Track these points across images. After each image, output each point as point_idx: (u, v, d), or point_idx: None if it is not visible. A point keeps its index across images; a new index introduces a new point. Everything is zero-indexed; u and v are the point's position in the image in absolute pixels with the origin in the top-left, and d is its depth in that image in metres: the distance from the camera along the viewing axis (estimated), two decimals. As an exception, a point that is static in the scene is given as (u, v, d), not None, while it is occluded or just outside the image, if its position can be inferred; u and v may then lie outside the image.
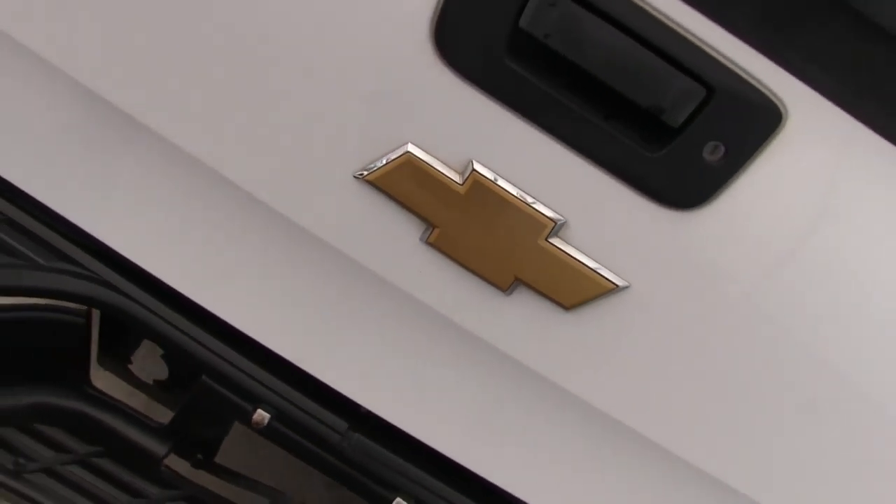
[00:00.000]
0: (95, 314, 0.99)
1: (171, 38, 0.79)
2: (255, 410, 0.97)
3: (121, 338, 1.09)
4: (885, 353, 0.75)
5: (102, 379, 1.05)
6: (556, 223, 0.76)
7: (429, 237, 0.81)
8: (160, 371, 1.10)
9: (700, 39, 0.67)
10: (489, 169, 0.76)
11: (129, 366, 1.12)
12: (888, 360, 0.75)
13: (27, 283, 0.93)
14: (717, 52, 0.67)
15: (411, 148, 0.77)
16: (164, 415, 1.04)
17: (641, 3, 0.67)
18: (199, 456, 1.07)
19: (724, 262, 0.74)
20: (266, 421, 0.98)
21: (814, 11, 0.65)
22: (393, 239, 0.82)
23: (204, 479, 1.06)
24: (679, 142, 0.70)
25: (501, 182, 0.76)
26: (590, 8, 0.67)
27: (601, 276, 0.77)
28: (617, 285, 0.78)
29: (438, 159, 0.77)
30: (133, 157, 0.90)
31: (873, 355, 0.75)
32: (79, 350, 1.00)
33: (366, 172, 0.79)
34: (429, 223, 0.80)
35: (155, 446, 1.02)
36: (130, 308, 0.96)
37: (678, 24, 0.67)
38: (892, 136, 0.67)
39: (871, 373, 0.76)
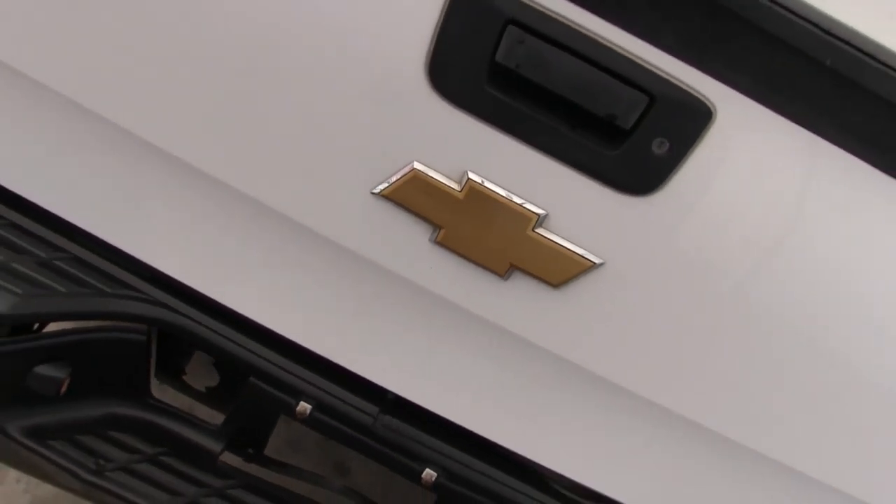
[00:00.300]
0: (153, 332, 1.15)
1: (205, 91, 0.96)
2: (297, 403, 1.13)
3: (174, 353, 1.24)
4: (814, 302, 0.92)
5: (162, 389, 1.21)
6: (539, 216, 0.93)
7: (437, 237, 0.97)
8: (212, 378, 1.26)
9: (640, 58, 0.85)
10: (481, 176, 0.93)
11: (184, 377, 1.27)
12: (818, 305, 0.92)
13: (97, 308, 1.09)
14: (655, 67, 0.85)
15: (417, 165, 0.94)
16: (218, 417, 1.20)
17: (590, 34, 0.84)
18: (250, 450, 1.22)
19: (677, 235, 0.91)
20: (308, 412, 1.13)
21: (728, 30, 0.82)
22: (407, 242, 0.99)
23: (255, 470, 1.21)
24: (631, 141, 0.87)
25: (492, 186, 0.93)
26: (550, 42, 0.85)
27: (580, 256, 0.94)
28: (594, 263, 0.94)
29: (439, 172, 0.94)
30: (178, 197, 1.07)
31: (804, 302, 0.92)
32: (140, 365, 1.16)
33: (381, 189, 0.95)
34: (435, 226, 0.97)
35: (211, 444, 1.18)
36: (185, 324, 1.12)
37: (622, 48, 0.84)
38: (804, 121, 0.85)
39: (807, 316, 0.93)
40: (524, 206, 0.93)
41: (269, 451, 1.28)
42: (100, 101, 0.99)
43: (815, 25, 0.80)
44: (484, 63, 0.87)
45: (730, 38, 0.83)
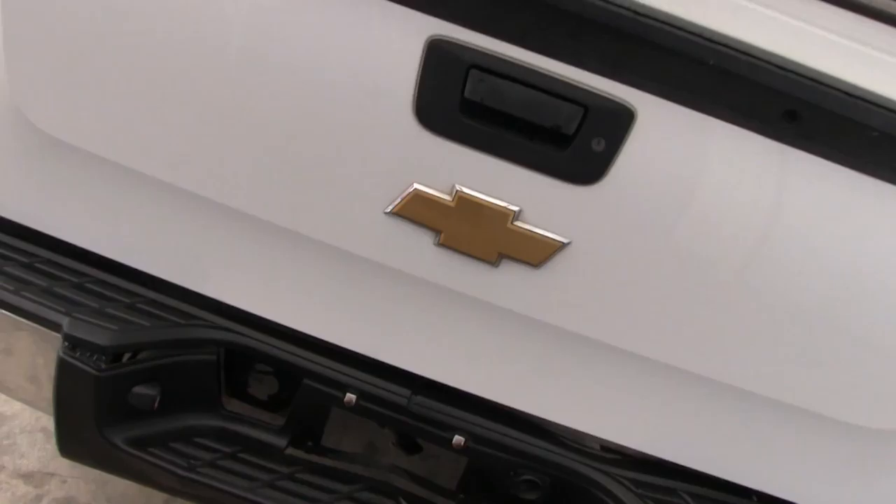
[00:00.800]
0: (221, 354, 1.41)
1: (264, 161, 1.24)
2: (345, 396, 1.38)
3: (239, 371, 1.50)
4: (726, 251, 1.18)
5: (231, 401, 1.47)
6: (515, 212, 1.20)
7: (439, 240, 1.24)
8: (272, 387, 1.51)
9: (572, 79, 1.12)
10: (466, 187, 1.20)
11: (248, 389, 1.53)
12: (729, 253, 1.18)
13: (176, 336, 1.35)
14: (585, 84, 1.12)
15: (417, 186, 1.21)
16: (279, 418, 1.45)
17: (532, 67, 1.12)
18: (310, 443, 1.47)
19: (622, 211, 1.18)
20: (354, 401, 1.38)
21: (635, 50, 1.10)
22: (416, 247, 1.25)
23: (316, 459, 1.46)
24: (575, 143, 1.14)
25: (475, 194, 1.20)
26: (503, 77, 1.12)
27: (552, 239, 1.20)
28: (563, 242, 1.21)
29: (434, 188, 1.20)
30: (239, 244, 1.35)
31: (721, 252, 1.18)
32: (212, 382, 1.42)
33: (391, 208, 1.22)
34: (436, 231, 1.23)
35: (277, 441, 1.43)
36: (247, 342, 1.38)
37: (557, 73, 1.12)
38: (700, 107, 1.11)
39: (723, 262, 1.19)
40: (502, 205, 1.20)
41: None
42: (187, 179, 1.28)
43: (698, 36, 1.07)
44: (456, 100, 1.15)
45: (638, 56, 1.11)
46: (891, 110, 1.08)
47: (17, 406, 2.47)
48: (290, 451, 1.44)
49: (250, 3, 1.16)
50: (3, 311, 1.33)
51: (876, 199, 1.14)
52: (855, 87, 1.08)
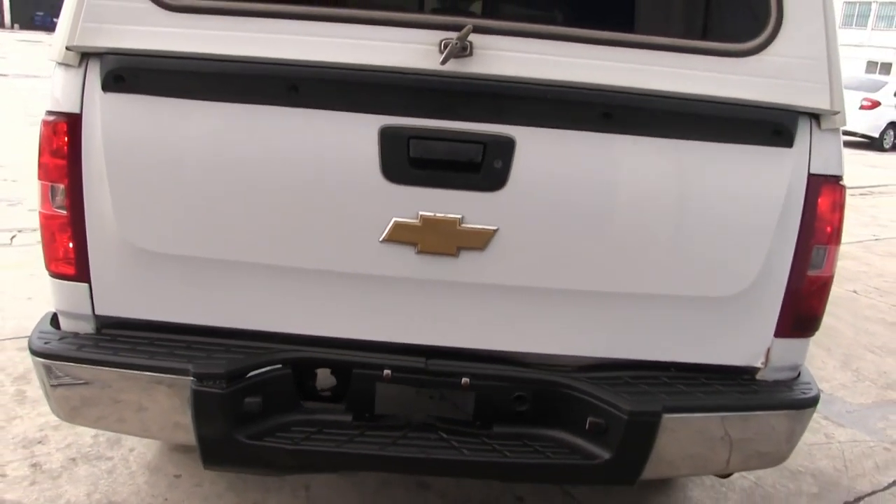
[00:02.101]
0: (291, 368, 2.05)
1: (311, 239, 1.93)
2: (383, 372, 2.03)
3: (304, 378, 2.14)
4: (595, 207, 1.89)
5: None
6: (459, 218, 1.89)
7: (418, 250, 1.93)
8: (330, 382, 2.16)
9: (473, 130, 1.83)
10: (425, 212, 1.89)
11: (317, 391, 2.17)
12: (597, 209, 1.89)
13: (263, 360, 2.00)
14: (481, 131, 1.83)
15: (395, 219, 1.90)
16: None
17: (448, 128, 1.83)
18: (367, 414, 2.10)
19: (523, 201, 1.88)
20: (390, 375, 2.04)
21: (508, 102, 1.82)
22: (404, 258, 1.93)
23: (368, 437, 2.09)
24: (484, 166, 1.85)
25: (432, 214, 1.89)
26: (431, 139, 1.83)
27: (486, 229, 1.90)
28: (494, 230, 1.90)
29: (406, 218, 1.90)
30: (292, 289, 2.02)
31: (593, 208, 1.89)
32: (290, 388, 2.06)
33: (383, 237, 1.91)
34: (414, 244, 1.92)
35: (344, 417, 2.07)
36: (309, 355, 2.04)
37: (461, 129, 1.83)
38: (562, 126, 1.84)
39: (596, 215, 1.89)
40: (450, 217, 1.89)
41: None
42: (246, 254, 1.96)
43: (539, 85, 1.80)
44: (405, 159, 1.85)
45: (508, 105, 1.83)
46: (661, 97, 1.82)
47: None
48: (355, 423, 2.09)
49: (269, 145, 1.87)
50: (145, 372, 1.97)
51: (662, 151, 1.87)
52: (633, 88, 1.83)
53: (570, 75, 1.85)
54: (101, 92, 1.90)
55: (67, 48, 1.89)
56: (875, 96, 18.41)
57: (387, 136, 1.86)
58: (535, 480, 2.47)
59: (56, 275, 2.07)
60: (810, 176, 1.98)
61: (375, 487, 2.99)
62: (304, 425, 2.06)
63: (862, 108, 18.21)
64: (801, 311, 2.10)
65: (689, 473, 2.38)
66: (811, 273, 2.06)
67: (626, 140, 1.89)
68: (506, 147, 1.86)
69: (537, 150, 1.87)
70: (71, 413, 2.09)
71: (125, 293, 2.06)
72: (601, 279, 1.99)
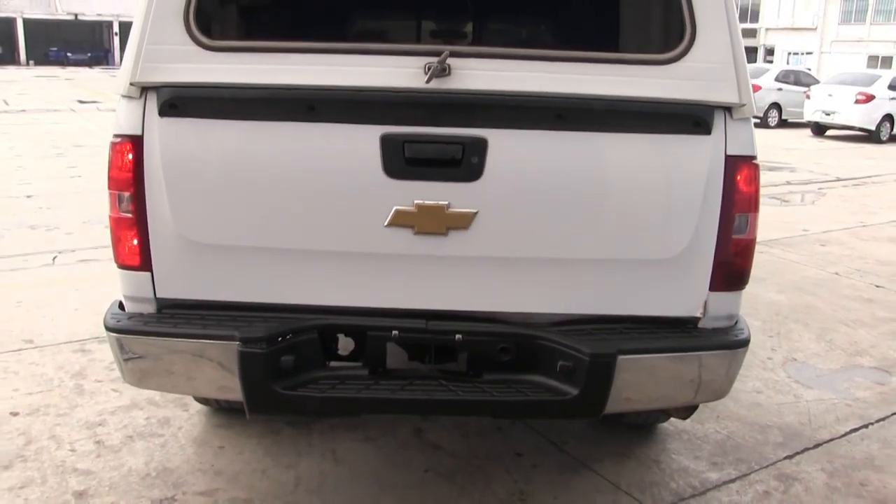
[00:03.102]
0: (317, 332, 2.53)
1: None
2: (392, 333, 2.51)
3: (329, 343, 2.62)
4: (558, 195, 2.37)
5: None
6: (446, 204, 2.37)
7: (415, 231, 2.41)
8: (349, 345, 2.63)
9: (454, 134, 2.32)
10: (419, 200, 2.37)
11: (338, 353, 2.65)
12: (558, 198, 2.37)
13: (294, 326, 2.47)
14: (461, 134, 2.32)
15: (396, 208, 2.38)
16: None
17: (434, 133, 2.31)
18: (380, 369, 2.57)
19: (496, 188, 2.36)
20: (398, 335, 2.51)
21: (480, 109, 2.30)
22: (404, 238, 2.41)
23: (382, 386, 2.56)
24: (464, 162, 2.33)
25: (425, 202, 2.37)
26: (421, 142, 2.32)
27: (468, 212, 2.38)
28: (475, 212, 2.38)
29: (404, 206, 2.38)
30: (319, 265, 2.50)
31: (557, 196, 2.37)
32: (317, 351, 2.53)
33: (387, 222, 2.39)
34: (412, 226, 2.40)
35: (361, 371, 2.54)
36: (332, 321, 2.52)
37: (444, 133, 2.32)
38: (526, 126, 2.32)
39: (557, 202, 2.37)
40: (440, 203, 2.37)
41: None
42: (280, 240, 2.45)
43: (503, 95, 2.29)
44: (402, 159, 2.34)
45: (480, 111, 2.31)
46: (603, 100, 2.31)
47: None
48: (371, 376, 2.56)
49: (292, 153, 2.36)
50: (200, 340, 2.46)
51: (607, 143, 2.36)
52: (580, 94, 2.31)
53: (528, 86, 2.34)
54: (159, 117, 2.40)
55: (131, 84, 2.39)
56: (869, 90, 18.80)
57: (386, 141, 2.35)
58: (519, 415, 2.94)
59: (123, 266, 2.56)
60: (727, 157, 2.44)
61: (394, 448, 3.47)
62: (329, 379, 2.53)
63: (857, 102, 18.61)
64: (730, 268, 2.56)
65: (644, 407, 2.82)
66: (736, 237, 2.52)
67: (578, 135, 2.37)
68: (480, 146, 2.34)
69: (506, 147, 2.35)
70: (140, 379, 2.58)
71: (180, 279, 2.54)
72: (565, 248, 2.46)
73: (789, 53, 47.26)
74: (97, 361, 4.24)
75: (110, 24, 53.38)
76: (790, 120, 21.47)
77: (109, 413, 3.69)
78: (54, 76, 37.23)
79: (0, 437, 3.44)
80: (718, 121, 2.43)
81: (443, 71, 2.31)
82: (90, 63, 51.83)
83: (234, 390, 2.48)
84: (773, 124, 21.43)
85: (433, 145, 2.36)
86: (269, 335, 2.42)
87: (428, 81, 2.31)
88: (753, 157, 2.49)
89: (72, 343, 4.51)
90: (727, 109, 2.43)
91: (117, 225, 2.52)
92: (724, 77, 2.39)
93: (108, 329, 2.54)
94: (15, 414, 3.65)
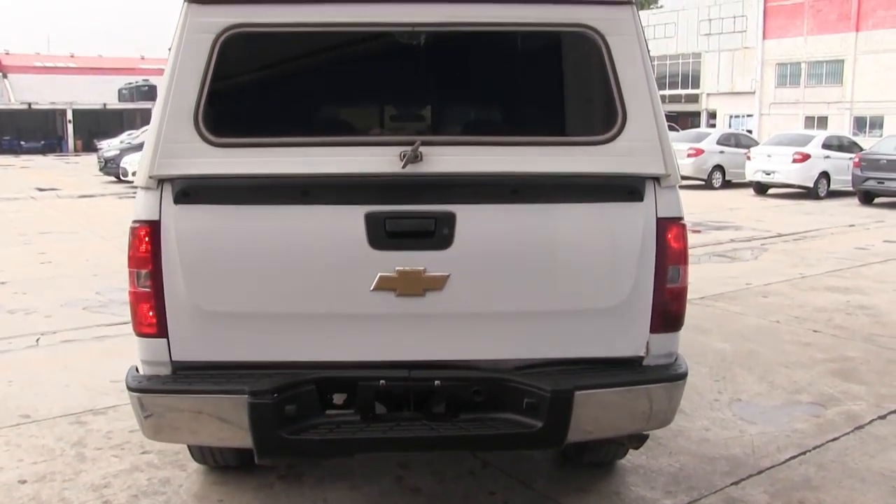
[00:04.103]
0: (314, 386, 2.90)
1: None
2: (380, 382, 2.89)
3: (325, 395, 2.98)
4: (523, 257, 2.82)
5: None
6: (423, 269, 2.80)
7: (397, 293, 2.82)
8: (342, 397, 3.00)
9: (427, 209, 2.76)
10: (400, 266, 2.80)
11: (333, 402, 3.01)
12: (524, 258, 2.82)
13: (295, 379, 2.85)
14: (433, 209, 2.76)
15: (380, 274, 2.80)
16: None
17: (411, 210, 2.76)
18: (370, 414, 2.94)
19: (465, 255, 2.80)
20: (385, 384, 2.89)
21: (446, 189, 2.76)
22: (387, 300, 2.83)
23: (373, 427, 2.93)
24: (436, 234, 2.78)
25: (405, 268, 2.80)
26: (400, 218, 2.76)
27: (441, 275, 2.81)
28: (448, 275, 2.81)
29: (387, 272, 2.80)
30: (311, 329, 2.90)
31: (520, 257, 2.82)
32: (314, 401, 2.90)
33: (372, 287, 2.81)
34: (394, 289, 2.82)
35: (354, 417, 2.91)
36: (327, 375, 2.90)
37: (420, 209, 2.76)
38: (487, 202, 2.78)
39: (522, 261, 2.82)
40: (417, 268, 2.80)
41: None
42: (283, 306, 2.85)
43: (469, 176, 2.75)
44: (384, 232, 2.78)
45: (446, 191, 2.76)
46: (551, 176, 2.78)
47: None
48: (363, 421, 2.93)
49: (289, 231, 2.79)
50: (212, 395, 2.82)
51: (556, 212, 2.83)
52: (532, 172, 2.78)
53: (488, 167, 2.81)
54: (173, 204, 2.81)
55: (150, 176, 2.80)
56: (805, 150, 19.89)
57: (370, 218, 2.79)
58: (493, 448, 3.33)
59: (142, 334, 2.92)
60: (658, 219, 2.92)
61: (378, 494, 3.80)
62: (327, 424, 2.90)
63: (794, 161, 19.66)
64: (667, 313, 3.01)
65: (601, 436, 3.21)
66: (669, 286, 2.98)
67: (532, 207, 2.83)
68: (449, 219, 2.79)
69: (471, 219, 2.80)
70: (158, 432, 2.92)
71: (193, 343, 2.91)
72: (525, 302, 2.89)
73: (731, 116, 49.22)
74: (94, 431, 4.52)
75: (64, 111, 53.65)
76: (734, 181, 22.44)
77: (113, 476, 3.97)
78: (9, 164, 37.29)
79: (13, 502, 3.70)
80: (649, 189, 2.91)
81: (415, 157, 2.77)
82: (44, 151, 51.85)
83: (244, 438, 2.83)
84: (717, 185, 22.40)
85: (410, 220, 2.80)
86: (274, 388, 2.79)
87: (404, 167, 2.76)
88: (681, 219, 2.97)
89: (67, 416, 4.77)
90: (656, 179, 2.92)
91: (136, 298, 2.89)
92: (651, 153, 2.88)
93: (130, 389, 2.89)
94: (23, 482, 3.91)
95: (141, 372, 2.96)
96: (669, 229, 2.95)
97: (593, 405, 2.89)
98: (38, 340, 6.56)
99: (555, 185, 2.85)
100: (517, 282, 2.88)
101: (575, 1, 2.90)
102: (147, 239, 2.84)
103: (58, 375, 5.56)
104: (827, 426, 4.73)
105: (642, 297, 2.96)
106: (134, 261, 2.87)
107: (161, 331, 2.89)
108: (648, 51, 2.97)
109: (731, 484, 3.95)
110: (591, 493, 3.84)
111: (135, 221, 2.86)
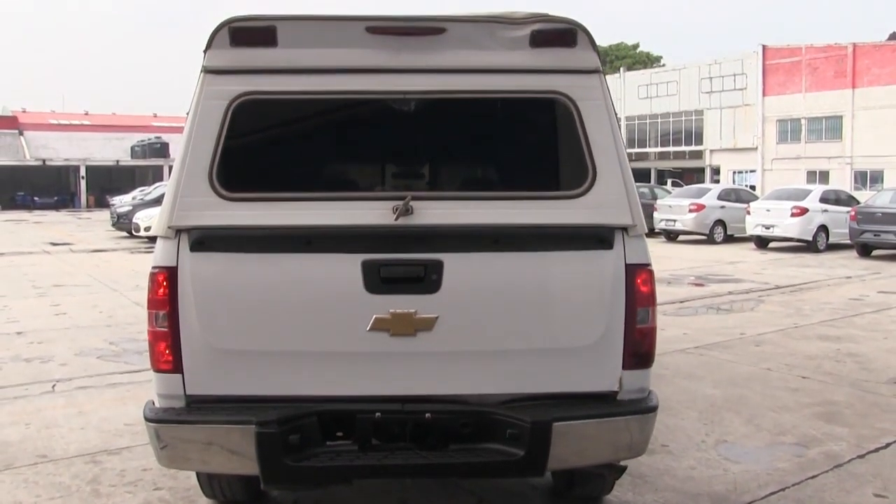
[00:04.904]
0: (315, 418, 3.17)
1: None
2: (375, 414, 3.16)
3: (328, 427, 3.24)
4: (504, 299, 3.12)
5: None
6: (414, 311, 3.10)
7: (390, 333, 3.12)
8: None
9: (417, 258, 3.07)
10: (393, 309, 3.09)
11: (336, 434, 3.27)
12: (506, 301, 3.11)
13: (297, 412, 3.12)
14: (422, 258, 3.07)
15: (375, 316, 3.10)
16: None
17: (403, 258, 3.07)
18: (367, 444, 3.19)
19: (452, 299, 3.10)
20: (380, 416, 3.16)
21: (433, 238, 3.07)
22: (382, 339, 3.12)
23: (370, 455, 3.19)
24: (426, 279, 3.09)
25: (398, 310, 3.09)
26: (394, 265, 3.07)
27: (432, 316, 3.10)
28: (437, 316, 3.11)
29: (382, 314, 3.10)
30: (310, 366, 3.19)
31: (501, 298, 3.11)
32: (316, 433, 3.17)
33: (369, 327, 3.10)
34: (388, 329, 3.11)
35: (352, 447, 3.18)
36: (327, 408, 3.17)
37: (411, 257, 3.07)
38: (474, 250, 3.10)
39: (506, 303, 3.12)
40: (409, 311, 3.10)
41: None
42: (291, 344, 3.14)
43: (450, 231, 3.07)
44: (378, 279, 3.08)
45: (432, 240, 3.07)
46: (528, 227, 3.09)
47: None
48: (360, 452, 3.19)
49: (294, 277, 3.09)
50: (223, 425, 3.09)
51: (533, 259, 3.13)
52: (511, 223, 3.09)
53: (472, 219, 3.12)
54: (189, 252, 3.13)
55: (168, 227, 3.12)
56: (803, 203, 20.25)
57: (366, 266, 3.10)
58: (479, 475, 3.58)
59: (159, 370, 3.21)
60: (627, 265, 3.22)
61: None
62: (327, 453, 3.16)
63: (793, 215, 19.99)
64: (638, 351, 3.28)
65: (579, 464, 3.44)
66: (639, 326, 3.26)
67: (511, 255, 3.14)
68: (437, 266, 3.09)
69: (457, 266, 3.10)
70: (173, 460, 3.19)
71: (206, 378, 3.19)
72: (508, 342, 3.18)
73: (734, 172, 49.87)
74: (109, 470, 4.77)
75: (77, 168, 54.72)
76: (735, 235, 22.78)
77: (126, 510, 4.21)
78: (23, 220, 37.99)
79: (34, 533, 3.95)
80: (618, 238, 3.22)
81: (406, 211, 3.09)
82: (56, 206, 52.79)
83: (251, 466, 3.09)
84: (718, 240, 22.73)
85: (402, 267, 3.11)
86: (280, 418, 3.07)
87: (396, 219, 3.09)
88: (648, 265, 3.27)
89: (83, 456, 5.03)
90: (624, 229, 3.23)
91: (154, 337, 3.19)
92: (619, 206, 3.20)
93: (148, 420, 3.16)
94: (43, 515, 4.16)
95: (157, 405, 3.24)
96: (638, 274, 3.24)
97: (571, 435, 3.15)
98: (53, 387, 6.83)
99: (532, 235, 3.17)
100: (500, 323, 3.17)
101: (549, 70, 3.25)
102: (165, 283, 3.14)
103: (73, 419, 5.83)
104: (807, 465, 4.94)
105: (615, 337, 3.24)
106: (153, 303, 3.18)
107: (177, 367, 3.18)
108: (616, 114, 3.31)
109: (712, 518, 4.17)
110: (578, 526, 4.07)
111: (154, 267, 3.18)
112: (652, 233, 24.67)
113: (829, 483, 4.64)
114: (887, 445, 5.30)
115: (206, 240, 3.13)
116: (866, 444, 5.33)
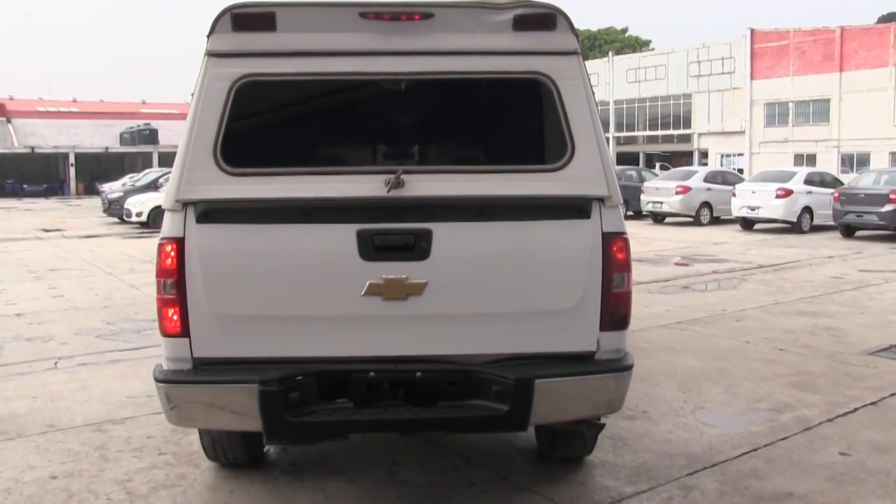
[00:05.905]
0: (314, 377, 3.41)
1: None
2: (370, 374, 3.40)
3: (326, 387, 3.48)
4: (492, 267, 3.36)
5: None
6: (405, 277, 3.33)
7: (383, 298, 3.35)
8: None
9: (408, 227, 3.31)
10: (386, 275, 3.33)
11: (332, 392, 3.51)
12: (493, 268, 3.35)
13: (297, 371, 3.35)
14: (413, 227, 3.31)
15: (369, 281, 3.33)
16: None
17: (395, 227, 3.30)
18: (362, 402, 3.43)
19: (441, 265, 3.33)
20: (374, 375, 3.40)
21: (423, 209, 3.31)
22: (375, 303, 3.35)
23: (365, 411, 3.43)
24: (416, 247, 3.32)
25: (390, 276, 3.33)
26: (386, 234, 3.30)
27: (421, 282, 3.34)
28: (426, 282, 3.34)
29: (375, 280, 3.33)
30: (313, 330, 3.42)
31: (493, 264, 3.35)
32: (314, 392, 3.41)
33: (363, 292, 3.33)
34: (381, 294, 3.35)
35: (348, 405, 3.41)
36: (324, 368, 3.40)
37: (402, 226, 3.31)
38: (462, 220, 3.33)
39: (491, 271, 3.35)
40: (401, 276, 3.33)
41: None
42: (292, 310, 3.37)
43: (442, 198, 3.30)
44: (372, 246, 3.32)
45: (426, 212, 3.31)
46: (512, 197, 3.33)
47: None
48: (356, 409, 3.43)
49: (294, 246, 3.32)
50: (228, 385, 3.32)
51: (516, 228, 3.37)
52: (495, 194, 3.33)
53: (459, 191, 3.35)
54: (196, 224, 3.35)
55: (176, 200, 3.34)
56: (788, 185, 20.55)
57: (361, 235, 3.32)
58: (465, 429, 3.81)
59: (167, 335, 3.43)
60: (604, 233, 3.46)
61: (372, 484, 4.29)
62: (325, 410, 3.40)
63: (777, 196, 20.30)
64: (614, 314, 3.52)
65: (558, 419, 3.68)
66: (616, 290, 3.50)
67: (495, 224, 3.37)
68: (427, 235, 3.32)
69: (445, 235, 3.33)
70: (181, 419, 3.42)
71: (211, 342, 3.42)
72: (493, 305, 3.42)
73: (722, 155, 50.18)
74: (115, 437, 5.01)
75: (66, 155, 54.54)
76: (722, 217, 23.08)
77: (134, 472, 4.45)
78: (13, 207, 37.94)
79: (47, 493, 4.18)
80: (595, 209, 3.45)
81: (398, 184, 3.32)
82: (46, 194, 52.59)
83: (255, 422, 3.33)
84: (705, 222, 23.03)
85: (394, 236, 3.34)
86: (281, 377, 3.30)
87: (388, 192, 3.31)
88: (623, 233, 3.51)
89: (90, 425, 5.26)
90: (601, 200, 3.46)
91: (163, 304, 3.41)
92: (596, 178, 3.43)
93: (158, 381, 3.40)
94: (54, 477, 4.39)
95: (166, 368, 3.47)
96: (614, 242, 3.48)
97: (552, 392, 3.39)
98: (56, 363, 7.05)
99: (515, 206, 3.40)
100: (485, 288, 3.40)
101: (530, 52, 3.48)
102: (173, 253, 3.37)
103: (77, 393, 6.05)
104: (779, 428, 5.22)
105: (592, 300, 3.48)
106: (161, 272, 3.40)
107: (184, 331, 3.41)
108: (593, 93, 3.54)
109: (687, 475, 4.43)
110: (561, 483, 4.32)
111: (162, 238, 3.40)
112: (639, 215, 25.11)
113: (798, 444, 4.92)
114: (855, 410, 5.59)
115: (212, 212, 3.35)
116: (836, 409, 5.61)
